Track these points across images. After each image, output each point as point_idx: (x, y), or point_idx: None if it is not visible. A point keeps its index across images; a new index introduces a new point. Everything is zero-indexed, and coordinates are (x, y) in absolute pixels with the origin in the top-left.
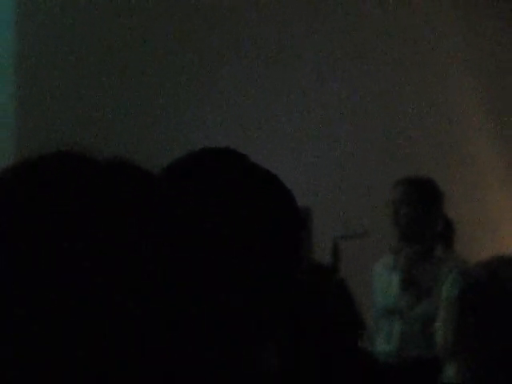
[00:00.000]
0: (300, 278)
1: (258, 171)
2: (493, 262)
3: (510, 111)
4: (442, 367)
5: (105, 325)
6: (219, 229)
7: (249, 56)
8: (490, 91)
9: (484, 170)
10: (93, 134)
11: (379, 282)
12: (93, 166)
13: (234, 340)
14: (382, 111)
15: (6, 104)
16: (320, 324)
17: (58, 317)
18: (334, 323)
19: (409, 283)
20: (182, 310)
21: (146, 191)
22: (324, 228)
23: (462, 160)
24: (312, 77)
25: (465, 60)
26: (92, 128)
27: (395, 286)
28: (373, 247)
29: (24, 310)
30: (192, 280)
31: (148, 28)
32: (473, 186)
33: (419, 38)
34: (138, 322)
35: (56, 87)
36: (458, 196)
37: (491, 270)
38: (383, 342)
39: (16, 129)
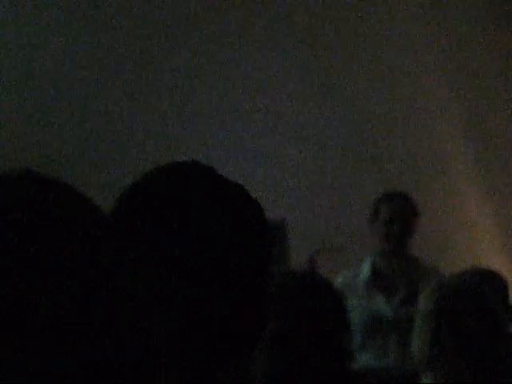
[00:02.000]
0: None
1: (225, 183)
2: (468, 275)
3: (486, 119)
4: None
5: (94, 343)
6: (188, 242)
7: (218, 69)
8: (466, 100)
9: (459, 180)
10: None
11: (354, 299)
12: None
13: (221, 354)
14: (355, 124)
15: None
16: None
17: (47, 335)
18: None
19: (413, 296)
20: (171, 324)
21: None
22: (300, 240)
23: (437, 170)
24: (284, 90)
25: (439, 68)
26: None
27: (381, 300)
28: (349, 260)
29: (12, 327)
30: (172, 293)
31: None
32: (447, 197)
33: (395, 48)
34: (126, 340)
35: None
36: (433, 206)
37: (467, 283)
38: (373, 356)
39: None
